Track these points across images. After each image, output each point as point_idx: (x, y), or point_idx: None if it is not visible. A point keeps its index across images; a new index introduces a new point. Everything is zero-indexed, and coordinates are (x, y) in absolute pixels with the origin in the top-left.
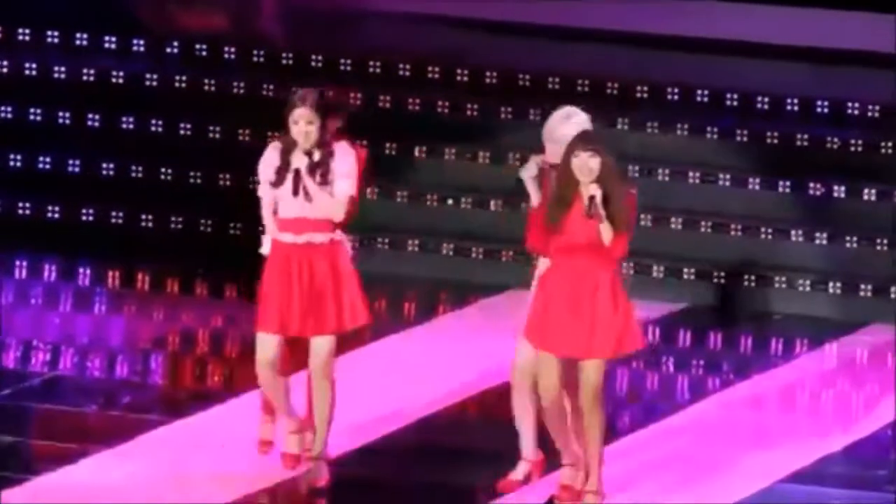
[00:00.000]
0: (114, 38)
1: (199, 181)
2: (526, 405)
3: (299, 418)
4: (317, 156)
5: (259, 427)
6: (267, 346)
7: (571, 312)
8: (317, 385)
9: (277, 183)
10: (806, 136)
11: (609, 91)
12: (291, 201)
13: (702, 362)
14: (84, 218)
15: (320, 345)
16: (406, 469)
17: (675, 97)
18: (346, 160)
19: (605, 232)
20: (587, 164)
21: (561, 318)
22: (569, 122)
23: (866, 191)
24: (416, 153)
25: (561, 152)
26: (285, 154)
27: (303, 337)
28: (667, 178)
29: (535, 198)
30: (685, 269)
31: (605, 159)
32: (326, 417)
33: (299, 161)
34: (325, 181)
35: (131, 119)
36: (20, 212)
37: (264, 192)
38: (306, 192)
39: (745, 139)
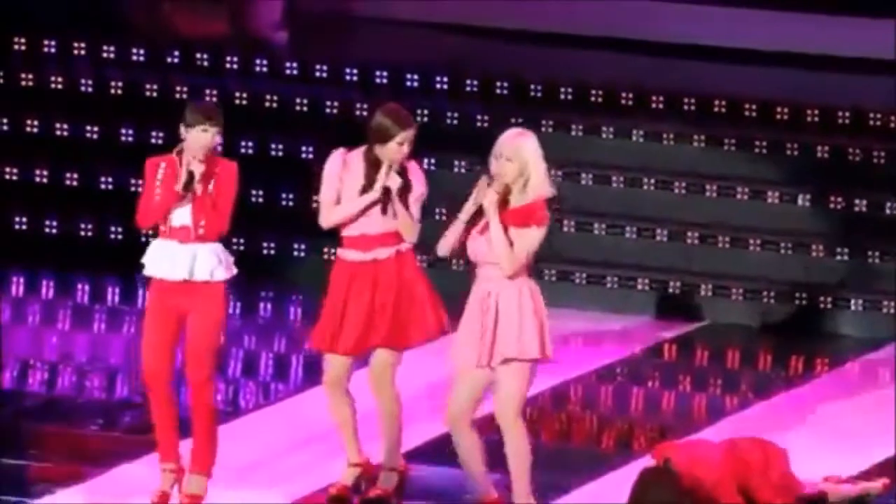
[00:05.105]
0: (112, 47)
1: None
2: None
3: (362, 453)
4: (401, 179)
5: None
6: (336, 366)
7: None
8: (378, 399)
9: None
10: (827, 148)
11: (623, 101)
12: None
13: (720, 381)
14: (82, 233)
15: (378, 359)
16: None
17: (692, 107)
18: (421, 181)
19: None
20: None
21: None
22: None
23: (889, 203)
24: (425, 165)
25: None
26: (371, 172)
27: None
28: (683, 191)
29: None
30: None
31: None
32: (392, 430)
33: (391, 181)
34: (406, 202)
35: (130, 131)
36: (16, 226)
37: (330, 198)
38: (394, 212)
39: (764, 150)
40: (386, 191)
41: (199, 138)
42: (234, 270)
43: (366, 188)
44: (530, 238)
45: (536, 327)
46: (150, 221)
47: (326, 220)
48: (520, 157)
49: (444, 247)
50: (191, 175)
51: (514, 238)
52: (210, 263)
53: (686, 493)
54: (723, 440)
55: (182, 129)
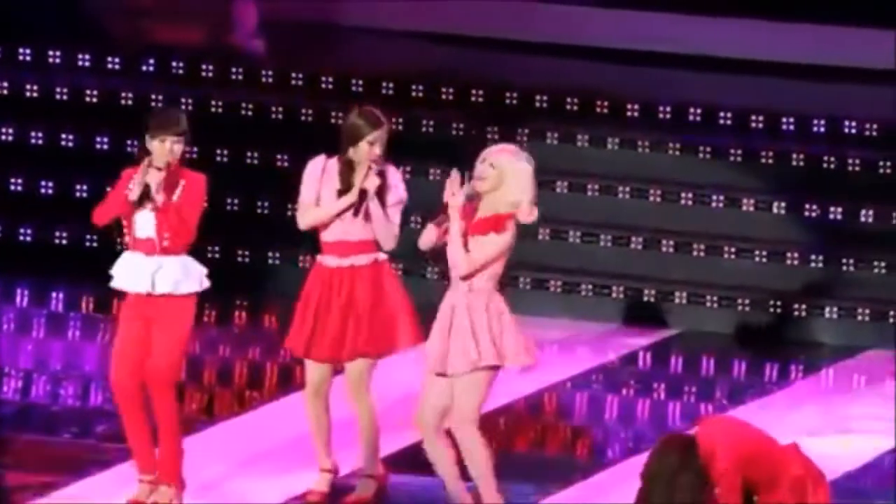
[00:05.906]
0: (88, 56)
1: None
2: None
3: (331, 459)
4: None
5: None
6: (317, 372)
7: None
8: (356, 406)
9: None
10: (802, 156)
11: (599, 109)
12: (335, 223)
13: (694, 389)
14: (58, 241)
15: (352, 368)
16: None
17: (667, 115)
18: (400, 186)
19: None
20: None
21: None
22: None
23: (864, 212)
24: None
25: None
26: (346, 174)
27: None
28: (659, 199)
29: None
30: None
31: None
32: (370, 437)
33: (369, 182)
34: (383, 205)
35: (105, 139)
36: None
37: (309, 199)
38: (367, 214)
39: (739, 158)
40: (362, 192)
41: (163, 149)
42: (206, 283)
43: (342, 192)
44: (488, 246)
45: (490, 339)
46: (101, 220)
47: (303, 220)
48: (502, 167)
49: (426, 241)
50: (146, 187)
51: (473, 245)
52: (174, 276)
53: (697, 468)
54: (789, 444)
55: (147, 139)
